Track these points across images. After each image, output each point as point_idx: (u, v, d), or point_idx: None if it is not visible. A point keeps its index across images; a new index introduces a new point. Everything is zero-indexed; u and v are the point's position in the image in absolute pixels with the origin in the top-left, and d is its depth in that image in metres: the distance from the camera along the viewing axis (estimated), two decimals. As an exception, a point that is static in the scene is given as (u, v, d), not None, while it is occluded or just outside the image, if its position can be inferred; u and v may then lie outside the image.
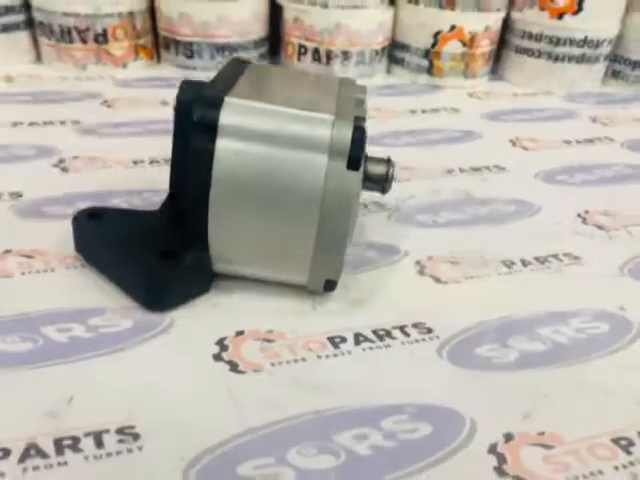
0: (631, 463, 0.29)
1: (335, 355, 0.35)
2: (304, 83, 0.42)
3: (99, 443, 0.28)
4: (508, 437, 0.30)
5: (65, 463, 0.27)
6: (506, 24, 0.84)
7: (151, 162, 0.55)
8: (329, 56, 0.78)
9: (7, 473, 0.26)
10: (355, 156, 0.33)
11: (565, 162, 0.62)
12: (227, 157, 0.33)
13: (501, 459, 0.29)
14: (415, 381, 0.33)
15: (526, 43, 0.82)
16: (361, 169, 0.34)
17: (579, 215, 0.52)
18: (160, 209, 0.40)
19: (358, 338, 0.36)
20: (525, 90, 0.83)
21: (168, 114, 0.64)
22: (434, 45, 0.79)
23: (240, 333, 0.35)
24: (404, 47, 0.82)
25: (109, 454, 0.27)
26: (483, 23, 0.79)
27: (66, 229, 0.41)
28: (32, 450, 0.27)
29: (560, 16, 0.79)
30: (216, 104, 0.33)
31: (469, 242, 0.47)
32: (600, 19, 0.79)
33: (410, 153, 0.62)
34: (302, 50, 0.79)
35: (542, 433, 0.30)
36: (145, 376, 0.32)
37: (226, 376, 0.32)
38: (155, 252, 0.36)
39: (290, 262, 0.36)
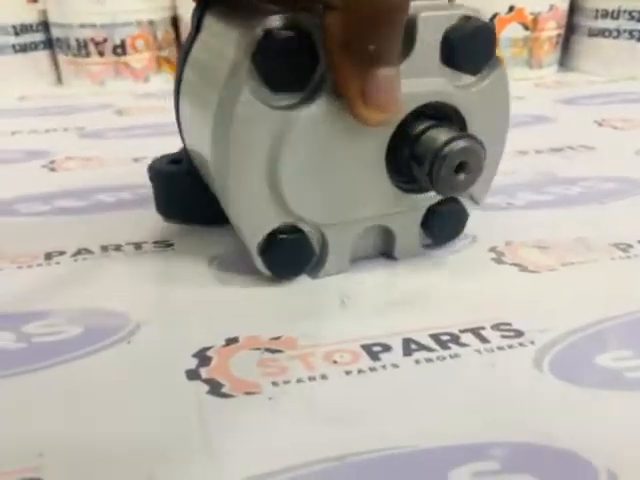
0: None
1: (373, 370, 0.22)
2: None
3: (-27, 510, 0.17)
4: None
5: None
6: (572, 9, 0.73)
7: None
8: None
9: None
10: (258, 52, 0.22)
11: (673, 138, 0.49)
12: None
13: None
14: (502, 408, 0.21)
15: (601, 23, 0.70)
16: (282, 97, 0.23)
17: None
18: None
19: (409, 345, 0.24)
20: (603, 78, 0.70)
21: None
22: (490, 31, 0.69)
23: (232, 341, 0.24)
24: (455, 39, 0.72)
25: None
26: (547, 2, 0.68)
27: (33, 226, 0.32)
28: None
29: (641, -15, 0.67)
30: None
31: (562, 225, 0.34)
32: (691, -16, 0.66)
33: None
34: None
35: None
36: (79, 402, 0.21)
37: (200, 403, 0.21)
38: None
39: None
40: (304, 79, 0.23)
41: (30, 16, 0.71)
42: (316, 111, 0.23)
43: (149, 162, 0.34)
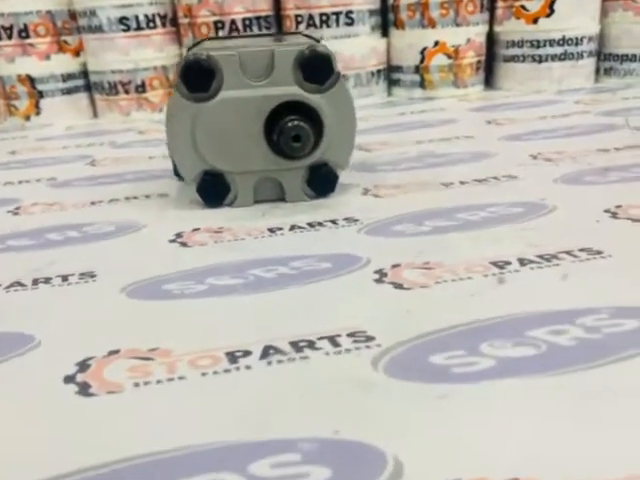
0: (501, 273, 0.33)
1: (270, 236, 0.41)
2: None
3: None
4: (395, 265, 0.35)
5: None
6: (492, 39, 0.93)
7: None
8: (329, 81, 0.89)
9: None
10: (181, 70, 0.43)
11: (533, 128, 0.67)
12: None
13: (383, 275, 0.34)
14: (329, 245, 0.39)
15: (511, 51, 0.90)
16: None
17: (530, 155, 0.56)
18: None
19: (293, 227, 0.42)
20: (518, 93, 0.89)
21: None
22: (422, 61, 0.89)
23: (196, 229, 0.43)
24: (398, 68, 0.92)
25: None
26: (464, 36, 0.87)
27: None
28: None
29: (535, 21, 0.86)
30: None
31: (417, 176, 0.53)
32: (574, 19, 0.86)
33: (379, 136, 0.69)
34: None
35: (427, 262, 0.35)
36: (115, 251, 0.40)
37: (175, 249, 0.40)
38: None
39: None
40: (207, 85, 0.43)
41: (74, 67, 0.94)
42: (216, 103, 0.43)
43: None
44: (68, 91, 0.94)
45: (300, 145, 0.43)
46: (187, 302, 0.32)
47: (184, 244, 0.41)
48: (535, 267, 0.33)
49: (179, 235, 0.42)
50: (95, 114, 0.97)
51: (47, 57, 0.92)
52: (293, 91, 0.44)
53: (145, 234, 0.43)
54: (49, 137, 0.84)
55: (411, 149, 0.63)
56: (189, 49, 0.51)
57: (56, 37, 0.92)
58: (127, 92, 0.91)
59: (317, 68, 0.44)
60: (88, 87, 0.96)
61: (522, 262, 0.34)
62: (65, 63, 0.94)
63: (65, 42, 0.93)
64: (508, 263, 0.34)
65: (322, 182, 0.48)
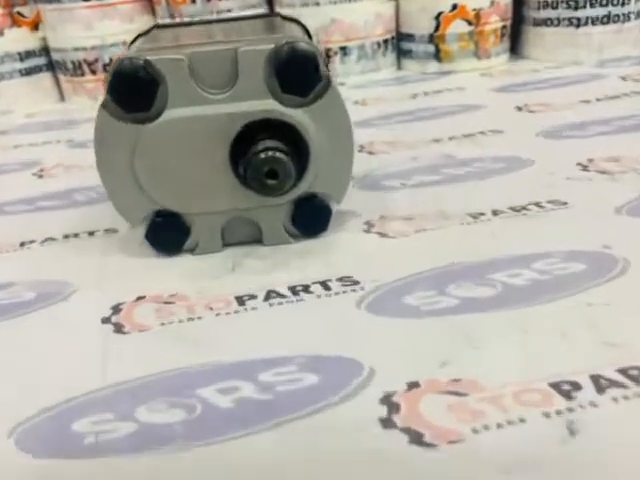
0: (569, 409, 0.22)
1: (237, 312, 0.30)
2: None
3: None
4: (412, 385, 0.24)
5: None
6: (520, 1, 0.78)
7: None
8: (327, 54, 0.76)
9: None
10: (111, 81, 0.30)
11: (578, 118, 0.54)
12: None
13: (393, 408, 0.23)
14: (317, 333, 0.28)
15: (543, 13, 0.75)
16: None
17: (579, 164, 0.44)
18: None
19: (270, 295, 0.31)
20: (548, 64, 0.75)
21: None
22: (437, 28, 0.75)
23: (141, 298, 0.32)
24: (409, 37, 0.78)
25: (-55, 412, 0.25)
26: (488, -3, 0.73)
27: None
28: None
29: (574, -24, 0.72)
30: None
31: (436, 199, 0.41)
32: (622, -28, 0.71)
33: (394, 130, 0.57)
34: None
35: (457, 380, 0.24)
36: (24, 337, 0.30)
37: (107, 337, 0.29)
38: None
39: None
40: (148, 101, 0.31)
41: (32, 43, 0.81)
42: (160, 126, 0.31)
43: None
44: (27, 72, 0.82)
45: (277, 183, 0.31)
46: (98, 464, 0.22)
47: (119, 327, 0.30)
48: (619, 396, 0.22)
49: (116, 309, 0.31)
50: (62, 97, 0.85)
51: (0, 33, 0.79)
52: (266, 106, 0.32)
53: (72, 307, 0.32)
54: (3, 131, 0.72)
55: (426, 152, 0.50)
56: (129, 45, 0.39)
57: (8, 8, 0.79)
58: (94, 72, 0.79)
59: (298, 73, 0.31)
60: (51, 66, 0.84)
61: (598, 384, 0.23)
62: (22, 39, 0.80)
63: (20, 14, 0.80)
64: (578, 387, 0.23)
65: (311, 219, 0.36)
